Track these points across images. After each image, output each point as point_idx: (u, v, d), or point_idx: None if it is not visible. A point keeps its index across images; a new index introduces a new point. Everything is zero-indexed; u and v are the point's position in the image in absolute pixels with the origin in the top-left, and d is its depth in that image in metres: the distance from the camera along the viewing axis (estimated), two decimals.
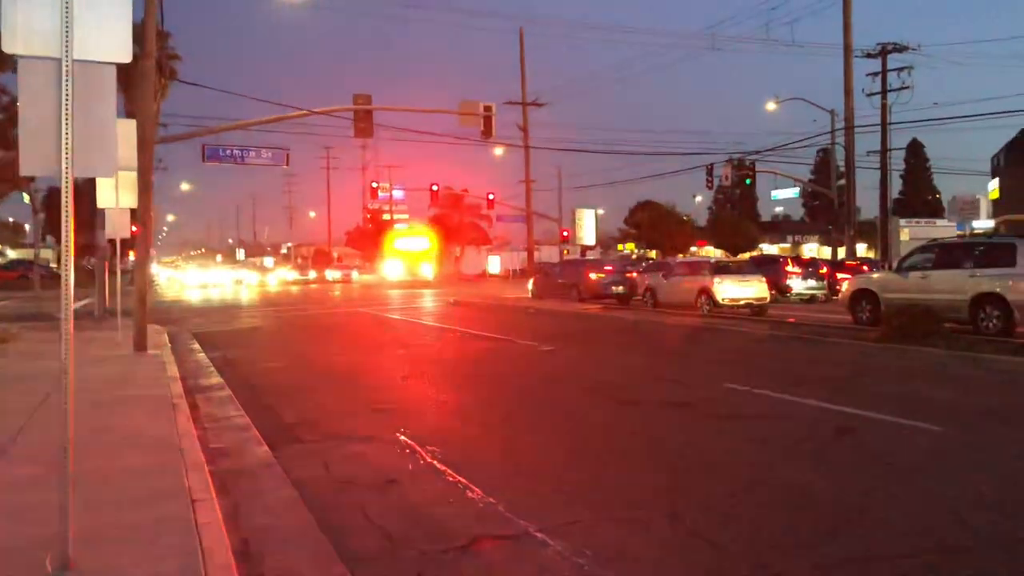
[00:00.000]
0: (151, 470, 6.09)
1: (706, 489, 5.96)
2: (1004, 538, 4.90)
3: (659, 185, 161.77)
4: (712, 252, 66.54)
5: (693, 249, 67.61)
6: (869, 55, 32.96)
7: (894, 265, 21.37)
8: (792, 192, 68.21)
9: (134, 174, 13.94)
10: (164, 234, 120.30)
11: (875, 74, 32.82)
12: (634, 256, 64.08)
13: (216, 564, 4.27)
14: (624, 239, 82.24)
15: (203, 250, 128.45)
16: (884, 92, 32.59)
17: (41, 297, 32.62)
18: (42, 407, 8.33)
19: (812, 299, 29.15)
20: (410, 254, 57.89)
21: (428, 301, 34.59)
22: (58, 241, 48.51)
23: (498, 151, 48.45)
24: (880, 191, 34.08)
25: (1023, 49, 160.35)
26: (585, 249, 54.68)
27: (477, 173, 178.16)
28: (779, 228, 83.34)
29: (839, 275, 29.14)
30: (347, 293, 45.24)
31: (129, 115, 16.85)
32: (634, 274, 28.87)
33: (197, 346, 16.06)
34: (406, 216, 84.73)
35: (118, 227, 15.34)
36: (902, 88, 32.35)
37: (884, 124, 32.84)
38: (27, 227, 73.20)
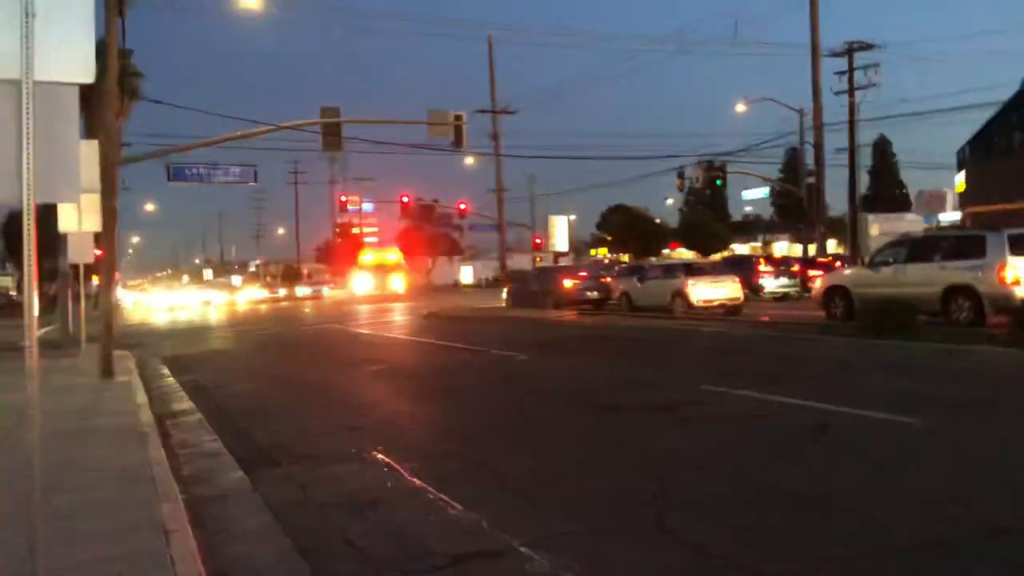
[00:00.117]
0: (122, 503, 5.90)
1: (691, 493, 5.90)
2: (986, 530, 4.89)
3: (631, 190, 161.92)
4: (684, 254, 67.01)
5: (666, 252, 68.08)
6: (836, 54, 33.32)
7: (865, 260, 21.56)
8: (762, 192, 68.76)
9: (97, 196, 13.58)
10: (129, 256, 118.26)
11: (842, 72, 33.22)
12: (606, 260, 64.31)
13: None
14: (597, 244, 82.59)
15: (169, 271, 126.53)
16: (851, 90, 32.98)
17: (1, 326, 31.90)
18: (4, 443, 8.06)
19: (785, 297, 29.39)
20: (380, 266, 57.61)
21: (401, 314, 34.40)
22: (18, 267, 47.69)
23: (469, 160, 48.32)
24: (849, 187, 34.43)
25: (992, 45, 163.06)
26: (558, 256, 54.64)
27: (449, 183, 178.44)
28: (750, 228, 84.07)
29: (811, 272, 29.39)
30: (318, 309, 44.89)
31: (91, 136, 16.55)
32: (608, 279, 28.92)
33: (166, 370, 15.77)
34: (376, 229, 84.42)
35: (81, 252, 15.06)
36: (869, 86, 32.82)
37: (852, 121, 33.25)
38: None
